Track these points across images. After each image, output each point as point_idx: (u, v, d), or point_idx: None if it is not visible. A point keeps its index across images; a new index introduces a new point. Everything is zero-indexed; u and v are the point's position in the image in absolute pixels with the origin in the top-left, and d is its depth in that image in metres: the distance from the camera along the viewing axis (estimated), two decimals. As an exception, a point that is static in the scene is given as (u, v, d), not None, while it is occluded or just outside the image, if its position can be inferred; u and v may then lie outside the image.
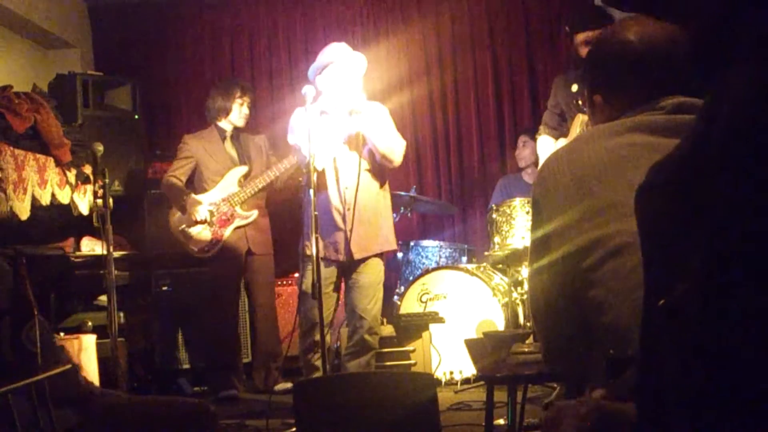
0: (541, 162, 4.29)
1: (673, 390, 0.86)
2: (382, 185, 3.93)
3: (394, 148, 3.80)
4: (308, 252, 3.67)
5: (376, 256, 3.89)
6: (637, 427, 1.02)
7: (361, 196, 3.67)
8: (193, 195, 4.77)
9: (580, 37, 3.98)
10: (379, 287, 3.93)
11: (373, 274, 3.88)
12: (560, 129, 4.23)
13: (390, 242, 3.95)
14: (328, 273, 3.80)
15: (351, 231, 3.72)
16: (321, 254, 3.81)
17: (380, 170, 3.90)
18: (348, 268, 3.88)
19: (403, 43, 6.19)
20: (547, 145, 4.27)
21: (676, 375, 0.85)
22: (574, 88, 4.11)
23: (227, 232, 4.77)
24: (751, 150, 0.78)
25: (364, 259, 3.86)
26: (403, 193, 5.32)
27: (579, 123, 3.93)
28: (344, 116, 3.73)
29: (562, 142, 4.08)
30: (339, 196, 3.79)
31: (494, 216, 4.57)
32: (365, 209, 3.77)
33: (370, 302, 3.86)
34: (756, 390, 0.76)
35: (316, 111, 3.66)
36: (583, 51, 3.97)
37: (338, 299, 4.07)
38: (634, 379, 1.05)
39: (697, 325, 0.82)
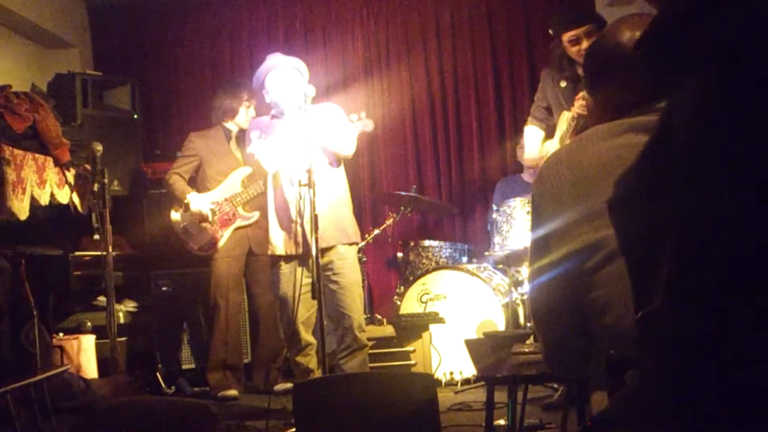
0: (526, 150, 4.33)
1: (652, 391, 0.86)
2: (336, 177, 3.95)
3: (342, 144, 3.85)
4: (278, 252, 3.87)
5: (342, 246, 3.88)
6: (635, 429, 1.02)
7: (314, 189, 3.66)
8: (194, 192, 4.79)
9: (565, 37, 4.01)
10: (359, 286, 3.98)
11: (350, 275, 3.90)
12: (546, 122, 4.24)
13: (350, 234, 3.94)
14: (302, 277, 3.81)
15: (307, 223, 3.72)
16: (282, 251, 3.85)
17: (332, 163, 3.93)
18: (308, 261, 3.83)
19: (404, 44, 6.19)
20: (534, 135, 4.27)
21: (654, 381, 0.85)
22: (563, 84, 4.12)
23: (228, 232, 4.77)
24: (708, 159, 0.77)
25: (327, 250, 3.84)
26: (403, 193, 5.31)
27: (565, 119, 3.94)
28: (293, 116, 3.83)
29: (550, 145, 4.08)
30: (293, 191, 3.82)
31: (494, 216, 4.56)
32: (319, 201, 3.76)
33: (354, 301, 3.89)
34: (729, 387, 0.76)
35: (267, 117, 3.97)
36: (572, 50, 3.99)
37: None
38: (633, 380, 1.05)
39: (666, 334, 0.82)
